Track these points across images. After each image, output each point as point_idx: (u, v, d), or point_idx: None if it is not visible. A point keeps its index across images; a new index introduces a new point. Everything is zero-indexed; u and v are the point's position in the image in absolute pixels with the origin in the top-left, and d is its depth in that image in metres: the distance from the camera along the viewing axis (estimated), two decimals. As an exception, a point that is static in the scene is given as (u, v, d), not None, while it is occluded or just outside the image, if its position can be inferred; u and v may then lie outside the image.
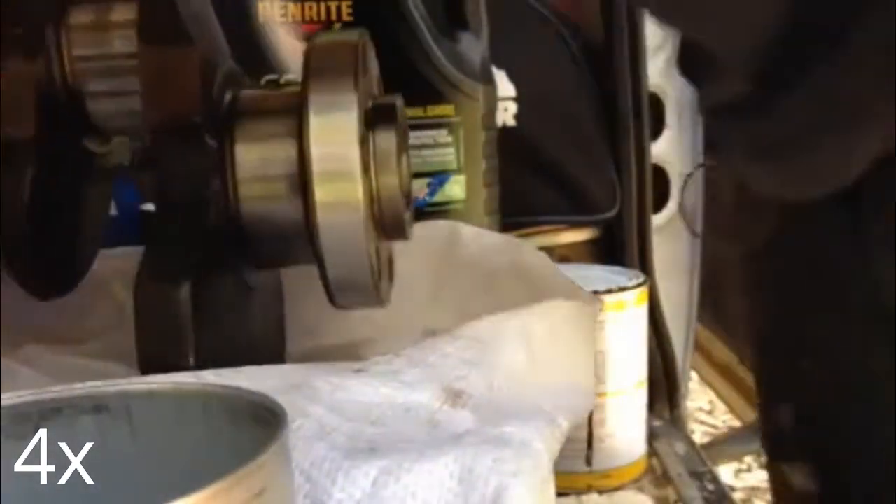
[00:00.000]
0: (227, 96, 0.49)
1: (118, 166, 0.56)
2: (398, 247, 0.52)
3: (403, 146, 0.48)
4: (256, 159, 0.47)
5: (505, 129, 0.90)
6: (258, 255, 0.49)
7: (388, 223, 0.48)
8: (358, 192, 0.45)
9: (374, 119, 0.47)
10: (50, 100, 0.48)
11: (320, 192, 0.44)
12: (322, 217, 0.45)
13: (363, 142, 0.45)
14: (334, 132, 0.45)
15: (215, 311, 0.45)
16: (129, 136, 0.53)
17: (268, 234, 0.48)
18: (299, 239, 0.46)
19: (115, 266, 0.57)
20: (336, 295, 0.47)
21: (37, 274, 0.49)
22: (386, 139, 0.47)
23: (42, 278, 0.49)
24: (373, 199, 0.46)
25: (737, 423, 1.31)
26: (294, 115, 0.46)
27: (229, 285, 0.48)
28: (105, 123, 0.50)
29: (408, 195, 0.49)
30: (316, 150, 0.44)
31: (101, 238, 0.56)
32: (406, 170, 0.49)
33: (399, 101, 0.49)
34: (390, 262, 0.52)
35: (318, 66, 0.46)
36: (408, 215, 0.49)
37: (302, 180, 0.45)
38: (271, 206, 0.47)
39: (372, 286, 0.46)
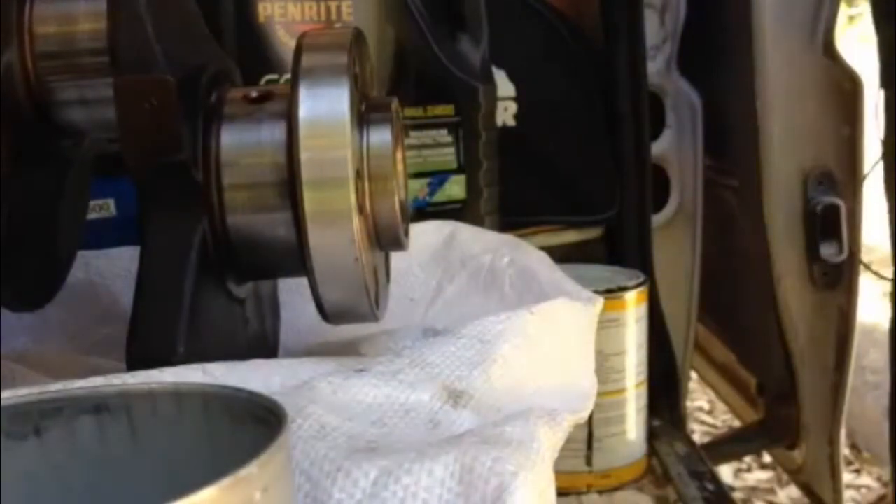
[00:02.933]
0: (213, 97, 0.46)
1: (92, 167, 0.52)
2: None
3: (400, 150, 0.46)
4: (242, 166, 0.44)
5: (505, 129, 0.90)
6: (246, 266, 0.46)
7: (384, 233, 0.46)
8: (350, 199, 0.42)
9: (368, 122, 0.45)
10: (12, 103, 0.44)
11: (309, 201, 0.41)
12: (312, 227, 0.42)
13: (356, 146, 0.43)
14: (324, 136, 0.42)
15: (199, 324, 0.43)
16: (101, 134, 0.49)
17: (256, 245, 0.45)
18: (289, 251, 0.43)
19: (115, 266, 0.57)
20: (328, 311, 0.45)
21: (12, 289, 0.46)
22: (381, 143, 0.44)
23: (18, 293, 0.47)
24: (367, 207, 0.44)
25: (737, 423, 1.30)
26: (282, 117, 0.43)
27: (214, 298, 0.45)
28: (74, 123, 0.47)
29: (404, 202, 0.47)
30: (305, 155, 0.41)
31: (82, 240, 0.53)
32: (402, 175, 0.47)
33: (395, 102, 0.46)
34: (386, 267, 0.50)
35: (308, 66, 0.43)
36: (404, 224, 0.47)
37: (290, 188, 0.42)
38: (258, 216, 0.44)
39: (366, 303, 0.44)
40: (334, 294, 0.44)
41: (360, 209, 0.43)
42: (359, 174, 0.43)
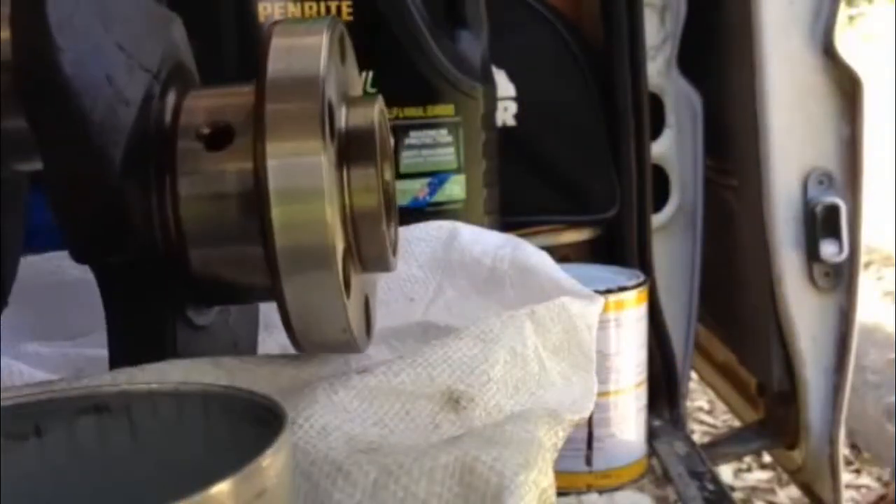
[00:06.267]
0: (170, 98, 0.40)
1: (27, 177, 0.46)
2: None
3: (386, 154, 0.41)
4: (201, 174, 0.38)
5: (505, 129, 0.90)
6: (207, 290, 0.40)
7: (366, 251, 0.40)
8: (325, 212, 0.36)
9: (348, 122, 0.39)
10: None
11: (278, 214, 0.36)
12: (281, 245, 0.36)
13: (334, 150, 0.38)
14: (295, 139, 0.36)
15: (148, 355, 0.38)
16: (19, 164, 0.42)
17: (217, 266, 0.39)
18: (256, 272, 0.38)
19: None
20: (301, 341, 0.39)
21: None
22: (362, 147, 0.39)
23: None
24: (346, 221, 0.39)
25: (737, 423, 1.30)
26: (248, 119, 0.38)
27: (169, 326, 0.40)
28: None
29: (391, 214, 0.42)
30: (273, 162, 0.36)
31: (22, 249, 0.47)
32: (390, 184, 0.41)
33: (379, 101, 0.41)
34: (373, 286, 0.46)
35: (277, 58, 0.37)
36: (391, 240, 0.41)
37: (256, 199, 0.36)
38: (220, 231, 0.38)
39: (343, 334, 0.39)
40: (304, 313, 0.39)
41: (345, 249, 0.38)
42: (336, 178, 0.38)
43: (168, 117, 0.40)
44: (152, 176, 0.39)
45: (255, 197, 0.37)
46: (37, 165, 0.38)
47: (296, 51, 0.38)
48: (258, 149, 0.36)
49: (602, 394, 0.74)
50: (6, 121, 0.37)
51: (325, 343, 0.40)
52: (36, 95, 0.35)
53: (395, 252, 0.43)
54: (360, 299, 0.42)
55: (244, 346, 0.48)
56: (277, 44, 0.38)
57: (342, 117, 0.40)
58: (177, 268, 0.39)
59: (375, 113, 0.41)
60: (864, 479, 1.85)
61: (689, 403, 1.37)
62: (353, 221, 0.40)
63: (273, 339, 0.53)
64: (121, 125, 0.37)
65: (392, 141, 0.44)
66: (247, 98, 0.38)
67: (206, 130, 0.39)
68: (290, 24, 0.41)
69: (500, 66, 0.88)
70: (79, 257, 0.38)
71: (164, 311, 0.39)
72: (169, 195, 0.38)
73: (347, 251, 0.39)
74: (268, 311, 0.52)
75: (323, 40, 0.38)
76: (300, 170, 0.36)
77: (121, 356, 0.39)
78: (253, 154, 0.37)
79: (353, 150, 0.39)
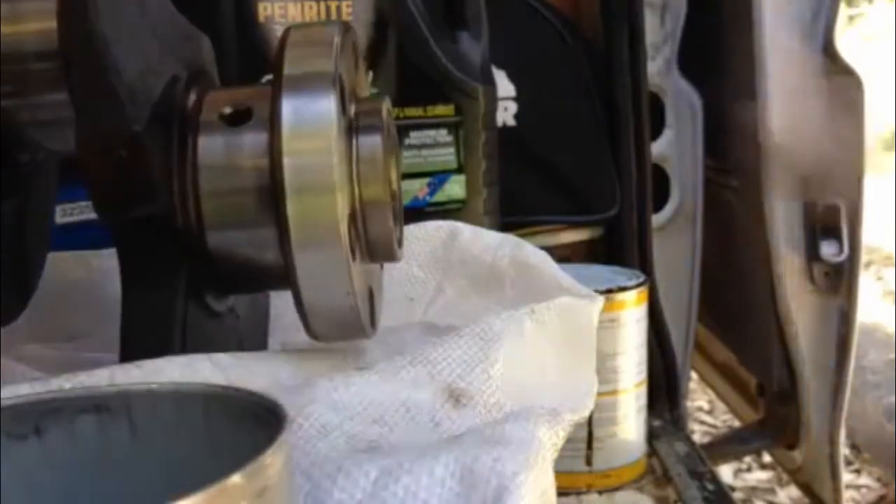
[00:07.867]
0: (192, 97, 0.43)
1: (53, 172, 0.49)
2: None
3: (392, 153, 0.43)
4: (221, 170, 0.41)
5: (505, 129, 0.90)
6: (226, 279, 0.43)
7: (374, 242, 0.43)
8: (337, 206, 0.39)
9: (357, 123, 0.42)
10: None
11: (293, 208, 0.39)
12: (296, 236, 0.39)
13: (344, 149, 0.40)
14: (309, 138, 0.39)
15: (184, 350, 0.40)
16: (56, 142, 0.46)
17: (235, 256, 0.42)
18: (272, 262, 0.41)
19: (110, 266, 0.57)
20: (314, 327, 0.42)
21: None
22: (370, 145, 0.42)
23: None
24: (356, 214, 0.41)
25: (737, 423, 1.30)
26: (265, 118, 0.41)
27: (196, 320, 0.42)
28: (27, 138, 0.44)
29: (396, 209, 0.44)
30: (288, 159, 0.39)
31: (51, 242, 0.50)
32: (395, 180, 0.44)
33: (386, 102, 0.44)
34: (378, 281, 0.48)
35: (292, 64, 0.40)
36: (397, 232, 0.44)
37: (273, 194, 0.39)
38: (238, 224, 0.42)
39: (354, 318, 0.41)
40: (326, 324, 0.42)
41: (352, 228, 0.41)
42: (346, 175, 0.41)
43: (192, 98, 0.43)
44: (175, 141, 0.41)
45: (270, 167, 0.39)
46: (69, 144, 0.40)
47: (311, 46, 0.42)
48: (274, 123, 0.39)
49: (602, 394, 0.74)
50: (39, 96, 0.41)
51: (331, 311, 0.41)
52: (72, 47, 0.38)
53: (400, 245, 0.45)
54: (364, 281, 0.43)
55: (252, 343, 0.50)
56: (294, 39, 0.42)
57: (352, 111, 0.43)
58: (190, 234, 0.41)
59: (384, 108, 0.43)
60: (864, 479, 1.85)
61: (689, 403, 1.37)
62: (362, 211, 0.42)
63: (276, 338, 0.53)
64: (149, 89, 0.40)
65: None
66: (265, 90, 0.41)
67: (227, 110, 0.42)
68: (304, 26, 0.45)
69: (500, 66, 0.88)
70: (100, 208, 0.40)
71: (177, 281, 0.41)
72: (190, 163, 0.41)
73: (352, 220, 0.41)
74: (271, 312, 0.52)
75: (335, 39, 0.42)
76: (313, 141, 0.39)
77: (132, 328, 0.41)
78: (269, 126, 0.40)
79: (361, 143, 0.42)
